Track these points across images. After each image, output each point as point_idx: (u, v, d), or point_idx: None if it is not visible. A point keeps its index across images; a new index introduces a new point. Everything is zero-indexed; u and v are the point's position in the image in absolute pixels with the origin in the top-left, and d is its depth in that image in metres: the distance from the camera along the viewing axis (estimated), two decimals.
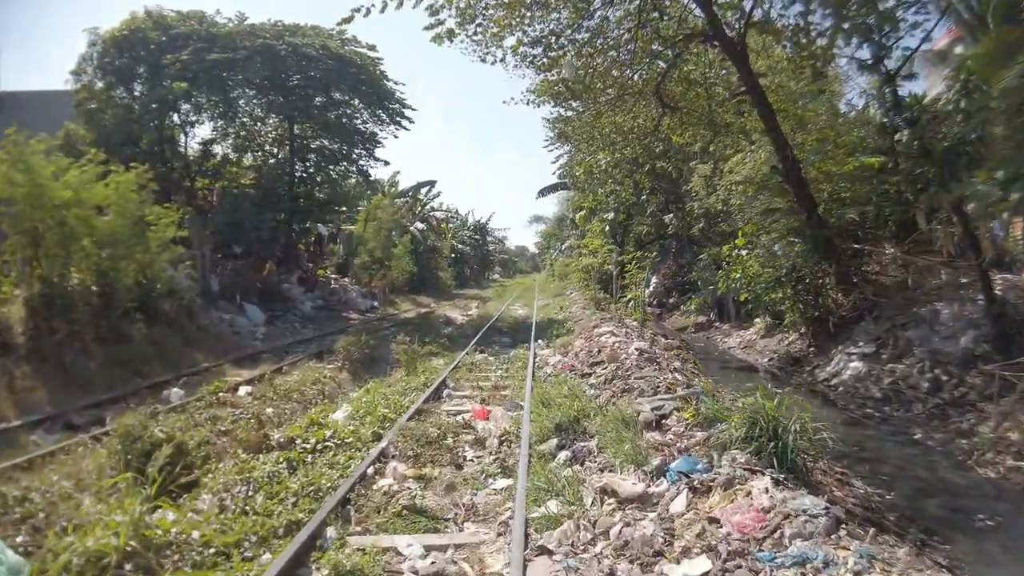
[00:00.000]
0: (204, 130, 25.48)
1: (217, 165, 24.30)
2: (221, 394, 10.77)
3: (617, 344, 11.53)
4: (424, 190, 50.39)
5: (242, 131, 26.38)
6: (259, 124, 27.16)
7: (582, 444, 5.92)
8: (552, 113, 13.67)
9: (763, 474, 4.54)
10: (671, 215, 20.09)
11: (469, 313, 28.96)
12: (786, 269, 12.79)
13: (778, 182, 12.41)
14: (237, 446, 7.12)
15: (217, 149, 25.65)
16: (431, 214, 53.31)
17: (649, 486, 4.75)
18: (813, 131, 12.75)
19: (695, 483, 4.60)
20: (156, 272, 15.19)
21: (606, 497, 4.66)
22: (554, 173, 31.16)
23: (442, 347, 14.77)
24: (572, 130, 14.06)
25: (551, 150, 28.09)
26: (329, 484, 5.58)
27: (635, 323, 14.85)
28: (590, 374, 10.38)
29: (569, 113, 13.26)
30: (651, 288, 27.91)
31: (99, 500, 5.13)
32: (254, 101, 25.96)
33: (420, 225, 48.31)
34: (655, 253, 16.27)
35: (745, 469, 4.64)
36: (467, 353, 13.67)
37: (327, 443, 6.77)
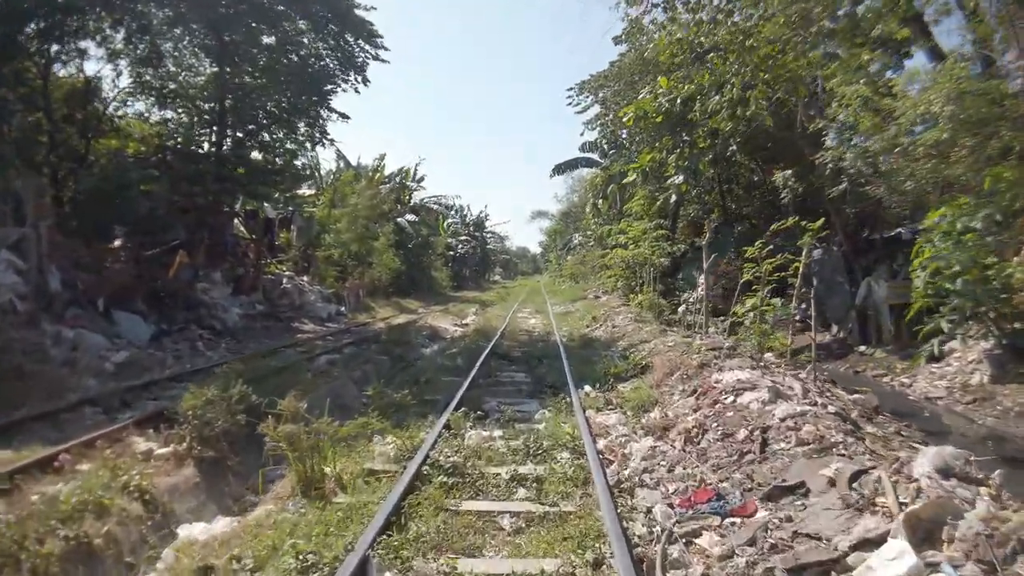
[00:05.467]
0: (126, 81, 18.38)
1: (101, 114, 17.02)
2: None
3: (835, 442, 4.41)
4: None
5: (170, 82, 19.30)
6: (191, 71, 20.02)
7: None
8: None
9: None
10: (787, 173, 12.91)
11: (464, 323, 21.81)
12: None
13: None
14: None
15: (140, 106, 18.71)
16: (424, 203, 46.01)
17: None
18: None
19: None
20: None
21: None
22: (582, 133, 24.66)
23: (385, 420, 7.01)
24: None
25: (577, 103, 21.24)
26: None
27: (775, 359, 7.76)
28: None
29: None
30: (699, 291, 21.34)
31: None
32: (182, 44, 18.90)
33: (410, 216, 41.11)
34: (823, 225, 8.99)
35: None
36: (448, 424, 6.50)
37: None
